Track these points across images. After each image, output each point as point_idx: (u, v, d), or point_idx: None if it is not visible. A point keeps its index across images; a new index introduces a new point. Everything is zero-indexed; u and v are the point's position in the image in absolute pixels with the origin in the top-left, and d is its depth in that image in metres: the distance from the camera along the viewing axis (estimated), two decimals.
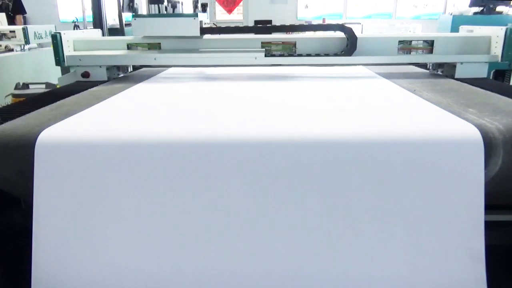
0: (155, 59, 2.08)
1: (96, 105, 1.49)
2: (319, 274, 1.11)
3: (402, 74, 2.19)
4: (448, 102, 1.50)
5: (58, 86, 2.20)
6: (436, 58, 2.12)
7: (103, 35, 3.63)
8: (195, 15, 2.06)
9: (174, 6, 2.09)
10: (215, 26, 2.22)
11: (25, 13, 6.63)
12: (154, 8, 2.13)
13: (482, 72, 2.08)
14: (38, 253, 1.12)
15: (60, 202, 1.11)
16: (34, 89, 2.93)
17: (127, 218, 1.11)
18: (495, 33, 2.06)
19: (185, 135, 1.12)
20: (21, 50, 4.43)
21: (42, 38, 4.57)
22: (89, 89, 1.84)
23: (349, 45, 2.09)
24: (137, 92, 1.77)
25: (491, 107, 1.40)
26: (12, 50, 4.44)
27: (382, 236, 1.10)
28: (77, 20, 7.75)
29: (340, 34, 2.13)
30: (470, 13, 6.49)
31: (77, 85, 2.03)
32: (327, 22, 8.43)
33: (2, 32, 4.36)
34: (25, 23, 8.21)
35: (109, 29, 4.39)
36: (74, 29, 7.26)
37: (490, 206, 1.10)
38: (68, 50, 2.12)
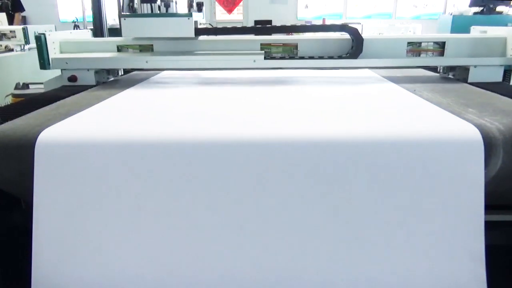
0: (146, 62, 1.90)
1: (96, 105, 1.46)
2: (319, 274, 1.10)
3: (410, 78, 2.01)
4: (448, 102, 1.46)
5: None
6: (448, 61, 1.94)
7: (102, 35, 3.45)
8: (189, 14, 1.87)
9: (167, 6, 1.91)
10: (211, 27, 2.04)
11: (24, 10, 6.44)
12: (146, 8, 1.94)
13: (497, 76, 1.89)
14: (38, 253, 1.11)
15: (60, 202, 1.10)
16: (34, 89, 2.82)
17: (127, 218, 1.10)
18: (511, 34, 1.88)
19: (184, 135, 1.11)
20: (21, 50, 4.30)
21: None
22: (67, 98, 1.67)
23: (355, 47, 1.91)
24: (124, 99, 1.61)
25: (491, 107, 1.36)
26: (12, 50, 4.32)
27: (382, 236, 1.09)
28: (77, 20, 7.60)
29: (344, 35, 1.95)
30: (470, 13, 6.49)
31: (62, 90, 1.86)
32: (327, 22, 8.26)
33: (2, 32, 4.24)
34: (24, 22, 8.07)
35: (109, 29, 4.24)
36: (74, 29, 7.11)
37: (490, 206, 1.09)
38: (53, 53, 1.94)
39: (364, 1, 9.43)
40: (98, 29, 3.90)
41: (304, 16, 9.56)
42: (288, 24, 2.14)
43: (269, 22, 9.06)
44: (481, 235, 1.08)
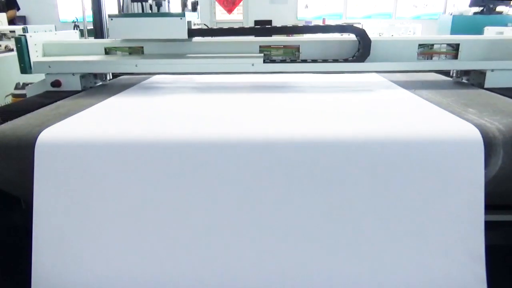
0: (136, 65, 1.71)
1: (96, 105, 1.43)
2: (319, 273, 1.08)
3: (422, 84, 1.81)
4: (448, 102, 1.42)
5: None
6: (463, 64, 1.75)
7: (102, 36, 3.24)
8: (181, 14, 1.68)
9: (159, 5, 1.72)
10: (206, 28, 1.85)
11: (19, 9, 6.25)
12: (137, 7, 1.75)
13: None
14: (38, 253, 1.10)
15: (60, 202, 1.09)
16: None
17: (127, 217, 1.09)
18: None
19: (183, 136, 1.09)
20: None
21: None
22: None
23: (362, 50, 1.72)
24: (107, 108, 1.43)
25: (491, 107, 1.33)
26: (12, 50, 4.19)
27: (382, 235, 1.08)
28: (77, 20, 7.41)
29: (350, 37, 1.76)
30: (470, 13, 6.50)
31: (43, 96, 1.67)
32: (327, 22, 8.06)
33: (2, 32, 4.20)
34: (24, 21, 7.90)
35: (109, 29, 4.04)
36: (74, 29, 6.92)
37: (490, 206, 1.07)
38: (36, 56, 1.75)
39: (364, 1, 9.25)
40: (98, 29, 3.72)
41: (304, 16, 9.38)
42: (289, 24, 1.94)
43: (269, 22, 8.91)
44: (481, 235, 1.06)
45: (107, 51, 1.83)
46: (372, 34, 1.72)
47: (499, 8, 6.53)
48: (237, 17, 9.50)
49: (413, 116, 1.28)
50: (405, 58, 1.75)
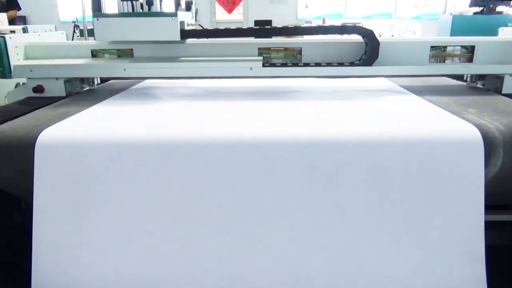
0: (124, 69, 1.55)
1: (96, 105, 1.41)
2: (319, 273, 1.07)
3: (435, 89, 1.65)
4: (448, 102, 1.39)
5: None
6: (479, 68, 1.58)
7: None
8: (173, 14, 1.52)
9: (149, 4, 1.54)
10: (200, 28, 1.68)
11: (20, 9, 6.09)
12: (127, 6, 1.58)
13: None
14: (38, 253, 1.09)
15: (59, 202, 1.08)
16: None
17: (126, 217, 1.08)
18: None
19: (183, 136, 1.08)
20: None
21: None
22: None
23: (369, 52, 1.56)
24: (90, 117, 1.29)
25: (491, 107, 1.30)
26: None
27: (383, 235, 1.06)
28: (77, 20, 7.25)
29: (356, 38, 1.59)
30: (470, 13, 6.44)
31: (24, 103, 1.51)
32: (328, 22, 7.89)
33: (2, 32, 3.99)
34: (24, 21, 7.74)
35: None
36: (74, 29, 6.75)
37: (490, 206, 1.06)
38: (16, 59, 1.59)
39: (364, 1, 9.09)
40: None
41: (304, 16, 9.21)
42: (289, 24, 1.77)
43: (269, 22, 8.75)
44: (481, 235, 1.05)
45: (94, 53, 1.66)
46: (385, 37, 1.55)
47: (499, 8, 6.45)
48: (237, 17, 9.35)
49: (412, 116, 1.26)
50: (416, 62, 1.59)
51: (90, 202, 1.07)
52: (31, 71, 1.56)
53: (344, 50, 1.61)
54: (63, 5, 8.97)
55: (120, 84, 1.81)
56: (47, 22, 5.00)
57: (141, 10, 1.62)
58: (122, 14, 1.54)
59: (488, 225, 1.05)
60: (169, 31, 1.52)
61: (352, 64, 1.58)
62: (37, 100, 1.52)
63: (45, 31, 4.44)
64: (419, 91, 1.58)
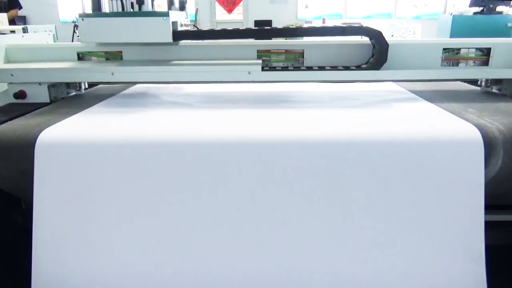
0: (112, 74, 1.40)
1: (95, 106, 1.39)
2: (320, 273, 1.06)
3: (448, 95, 1.50)
4: (448, 102, 1.36)
5: None
6: (496, 73, 1.44)
7: None
8: (165, 14, 1.37)
9: (140, 3, 1.40)
10: (195, 29, 1.53)
11: (21, 7, 5.96)
12: (116, 5, 1.43)
13: None
14: (38, 253, 1.07)
15: (59, 202, 1.07)
16: None
17: (126, 217, 1.06)
18: None
19: (183, 136, 1.07)
20: None
21: None
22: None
23: (377, 55, 1.41)
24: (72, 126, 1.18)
25: (491, 107, 1.28)
26: None
27: (383, 235, 1.05)
28: (77, 20, 7.09)
29: (363, 40, 1.45)
30: (470, 13, 6.35)
31: (3, 110, 1.37)
32: (327, 22, 7.74)
33: (2, 32, 3.89)
34: (24, 21, 7.61)
35: None
36: (74, 29, 6.61)
37: (490, 206, 1.05)
38: None
39: (364, 1, 8.94)
40: None
41: (304, 16, 9.08)
42: (289, 24, 1.62)
43: (269, 22, 8.60)
44: (481, 235, 1.03)
45: (81, 56, 1.52)
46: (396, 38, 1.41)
47: (499, 8, 6.37)
48: (237, 17, 9.22)
49: (412, 116, 1.24)
50: (427, 65, 1.45)
51: (90, 202, 1.06)
52: (12, 75, 1.42)
53: (349, 52, 1.47)
54: (63, 5, 8.85)
55: (109, 90, 1.67)
56: (47, 22, 4.96)
57: (132, 9, 1.48)
58: (109, 14, 1.40)
59: (488, 225, 1.04)
60: (161, 32, 1.38)
61: (358, 67, 1.43)
62: (18, 107, 1.38)
63: (45, 31, 4.34)
64: (430, 97, 1.44)
